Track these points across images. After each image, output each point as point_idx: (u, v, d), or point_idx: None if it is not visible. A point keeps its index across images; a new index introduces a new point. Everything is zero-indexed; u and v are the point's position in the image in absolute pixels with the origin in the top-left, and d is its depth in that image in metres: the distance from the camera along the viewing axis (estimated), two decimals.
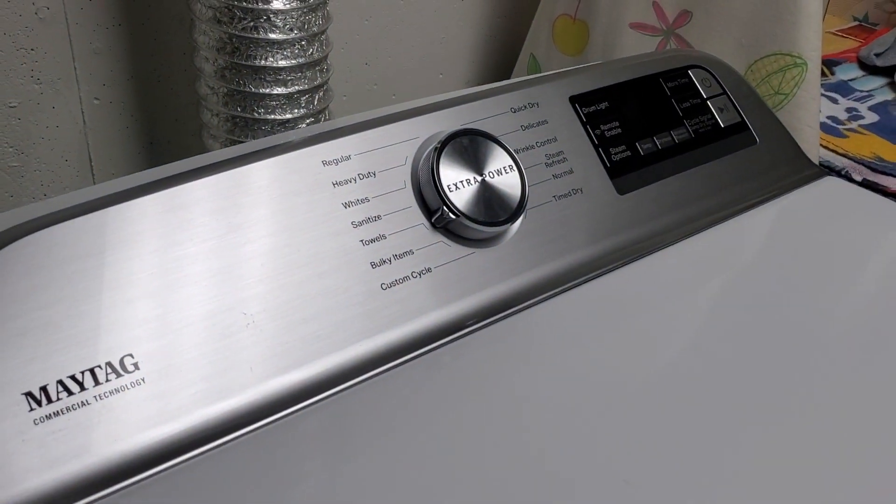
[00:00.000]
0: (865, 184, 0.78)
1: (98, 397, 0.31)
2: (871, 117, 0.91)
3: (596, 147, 0.48)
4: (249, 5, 0.54)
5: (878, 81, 1.00)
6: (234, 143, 0.60)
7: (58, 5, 0.61)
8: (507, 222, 0.42)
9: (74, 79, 0.65)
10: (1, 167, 0.64)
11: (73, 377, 0.31)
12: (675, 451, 0.34)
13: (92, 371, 0.31)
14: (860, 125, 0.89)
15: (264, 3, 0.54)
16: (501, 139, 0.43)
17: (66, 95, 0.65)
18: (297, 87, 0.59)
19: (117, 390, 0.31)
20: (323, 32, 0.59)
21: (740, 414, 0.37)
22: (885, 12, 1.23)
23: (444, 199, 0.40)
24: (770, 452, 0.35)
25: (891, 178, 0.78)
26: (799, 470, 0.34)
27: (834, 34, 1.15)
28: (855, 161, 0.81)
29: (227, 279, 0.35)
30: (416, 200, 0.41)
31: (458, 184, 0.41)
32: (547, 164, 0.45)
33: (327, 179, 0.39)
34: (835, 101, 0.95)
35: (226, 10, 0.55)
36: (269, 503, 0.31)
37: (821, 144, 0.78)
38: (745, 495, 0.33)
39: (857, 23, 1.20)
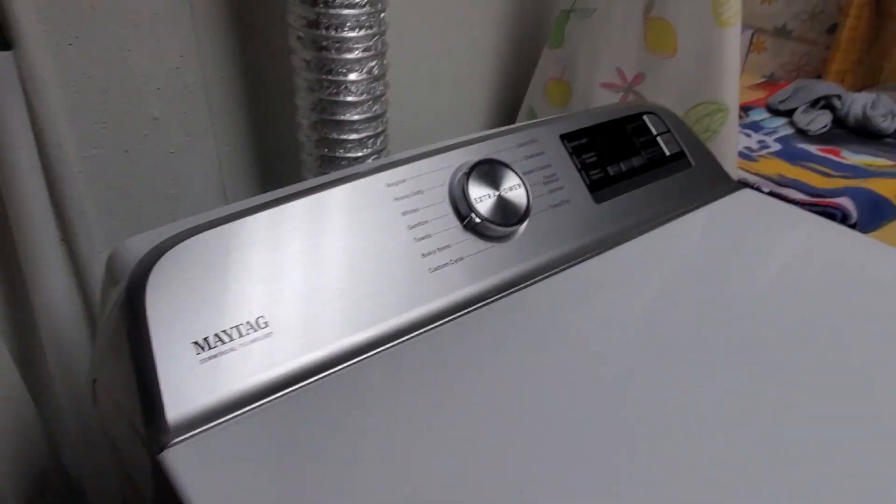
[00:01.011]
0: (772, 194, 0.77)
1: (242, 345, 0.32)
2: (776, 147, 0.90)
3: (579, 170, 0.48)
4: (333, 78, 0.55)
5: (780, 121, 0.99)
6: (322, 174, 0.62)
7: (199, 82, 0.63)
8: (517, 224, 0.42)
9: (212, 132, 0.67)
10: (165, 195, 0.66)
11: (224, 331, 0.32)
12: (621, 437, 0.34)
13: (237, 328, 0.32)
14: (768, 153, 0.88)
15: (343, 76, 0.56)
16: (512, 165, 0.44)
17: (207, 144, 0.67)
18: (365, 134, 0.60)
19: (254, 341, 0.32)
20: (383, 95, 0.60)
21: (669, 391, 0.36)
22: (787, 71, 1.21)
23: (472, 208, 0.41)
24: (697, 456, 0.31)
25: (790, 190, 0.77)
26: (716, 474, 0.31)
27: (748, 88, 1.14)
28: (764, 178, 0.80)
29: (322, 267, 0.36)
30: (452, 210, 0.41)
31: (481, 197, 0.41)
32: (544, 183, 0.46)
33: (391, 196, 0.39)
34: (749, 135, 0.94)
35: (316, 82, 0.56)
36: (351, 422, 0.32)
37: (739, 167, 0.77)
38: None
39: (764, 79, 1.19)
